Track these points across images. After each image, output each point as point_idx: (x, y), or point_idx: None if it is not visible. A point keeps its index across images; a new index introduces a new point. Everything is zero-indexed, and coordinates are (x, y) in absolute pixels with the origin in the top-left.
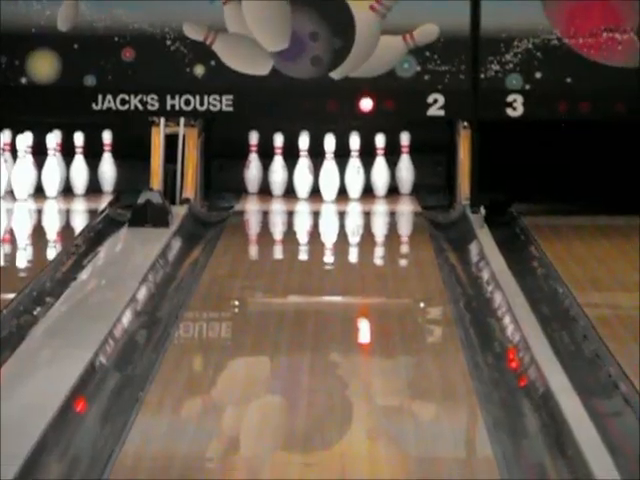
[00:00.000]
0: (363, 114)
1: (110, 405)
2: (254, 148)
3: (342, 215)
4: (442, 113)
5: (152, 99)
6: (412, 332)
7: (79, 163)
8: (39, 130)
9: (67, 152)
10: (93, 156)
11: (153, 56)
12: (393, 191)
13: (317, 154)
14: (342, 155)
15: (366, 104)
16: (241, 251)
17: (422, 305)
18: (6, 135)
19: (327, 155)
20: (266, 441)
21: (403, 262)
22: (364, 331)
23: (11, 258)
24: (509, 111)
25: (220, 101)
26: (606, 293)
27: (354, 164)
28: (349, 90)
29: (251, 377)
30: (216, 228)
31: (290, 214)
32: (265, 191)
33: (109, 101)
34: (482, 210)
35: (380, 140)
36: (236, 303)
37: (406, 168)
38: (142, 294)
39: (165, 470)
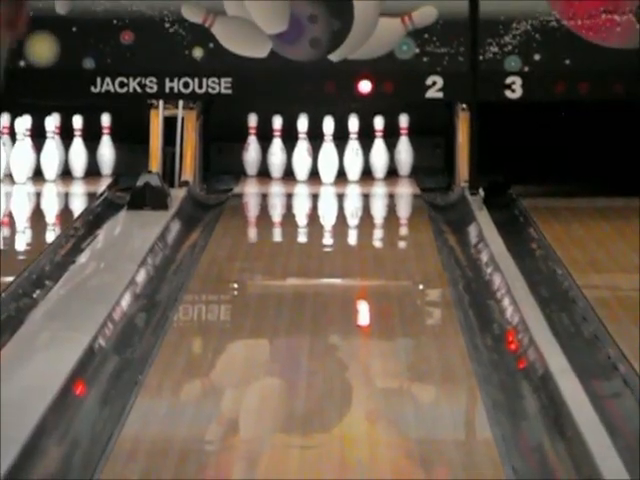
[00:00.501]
0: (362, 96)
1: (109, 388)
2: (253, 130)
3: (341, 197)
4: (441, 95)
5: (151, 82)
6: (411, 314)
7: (78, 146)
8: (38, 113)
9: (66, 135)
10: (92, 139)
11: (152, 39)
12: (392, 173)
13: (316, 136)
14: (341, 137)
15: (365, 86)
16: (240, 234)
17: (421, 287)
18: (5, 118)
19: (326, 137)
20: (265, 424)
21: (402, 244)
22: (363, 313)
23: (10, 241)
24: (508, 93)
25: (219, 84)
26: (605, 275)
27: (353, 146)
28: (348, 72)
29: (250, 360)
30: (215, 211)
31: (289, 196)
32: (264, 173)
33: (108, 84)
34: (481, 192)
35: (379, 122)
36: (235, 286)
37: (405, 150)
38: (141, 277)
39: (164, 453)
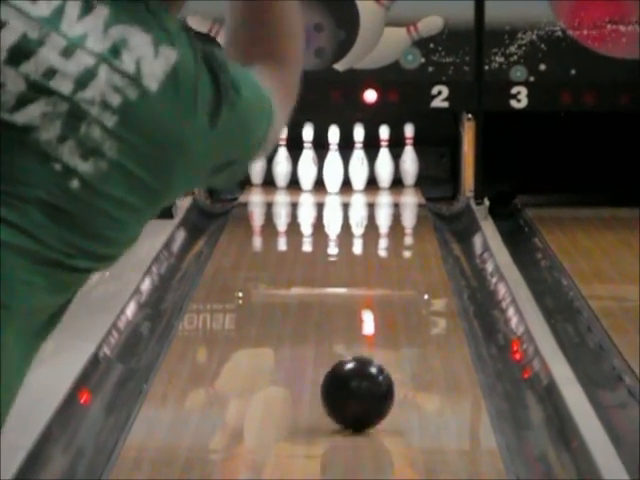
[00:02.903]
0: (367, 106)
1: (114, 397)
2: None
3: (346, 207)
4: (446, 105)
5: None
6: (416, 324)
7: None
8: None
9: None
10: None
11: None
12: (397, 183)
13: (321, 146)
14: (346, 147)
15: (370, 96)
16: (245, 243)
17: (426, 297)
18: None
19: (331, 147)
20: (269, 433)
21: (407, 254)
22: (368, 323)
23: None
24: (513, 103)
25: None
26: (610, 285)
27: (358, 156)
28: (353, 82)
29: (255, 369)
30: (220, 220)
31: (294, 206)
32: (269, 182)
33: None
34: (486, 202)
35: (384, 132)
36: (240, 295)
37: (410, 160)
38: (146, 286)
39: (169, 461)
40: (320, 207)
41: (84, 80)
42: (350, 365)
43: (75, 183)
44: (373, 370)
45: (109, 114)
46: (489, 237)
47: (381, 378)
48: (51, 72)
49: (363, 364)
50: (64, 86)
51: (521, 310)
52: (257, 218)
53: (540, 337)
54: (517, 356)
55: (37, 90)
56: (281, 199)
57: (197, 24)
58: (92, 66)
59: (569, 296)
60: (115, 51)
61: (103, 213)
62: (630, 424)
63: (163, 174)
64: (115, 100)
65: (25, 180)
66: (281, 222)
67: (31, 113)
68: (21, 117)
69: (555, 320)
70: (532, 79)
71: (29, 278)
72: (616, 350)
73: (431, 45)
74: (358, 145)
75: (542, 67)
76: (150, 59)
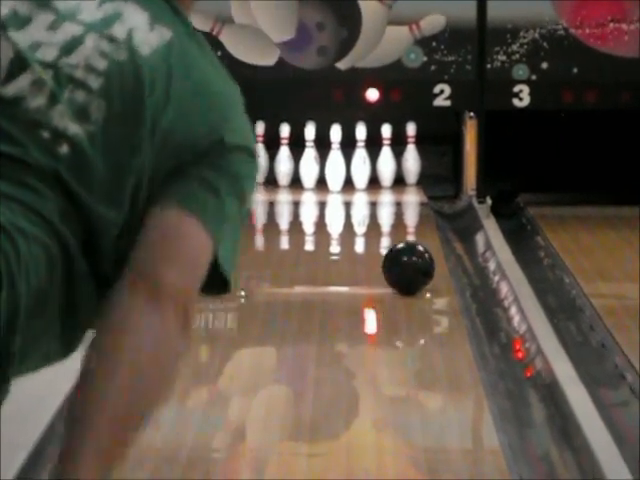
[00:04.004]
0: (369, 104)
1: None
2: (260, 138)
3: (348, 205)
4: (448, 103)
5: None
6: (418, 322)
7: None
8: None
9: None
10: None
11: None
12: (399, 181)
13: (323, 144)
14: (348, 145)
15: (372, 94)
16: (247, 241)
17: (428, 295)
18: None
19: (333, 145)
20: (272, 431)
21: None
22: (370, 321)
23: None
24: (515, 101)
25: None
26: (612, 283)
27: (360, 154)
28: (355, 80)
29: (257, 367)
30: None
31: (296, 204)
32: (271, 181)
33: None
34: (488, 200)
35: (386, 130)
36: (242, 293)
37: (412, 158)
38: None
39: (171, 460)
40: (322, 206)
41: (69, 47)
42: (402, 245)
43: (64, 148)
44: (420, 248)
45: (94, 77)
46: (491, 235)
47: (427, 255)
48: (37, 45)
49: (413, 244)
50: (49, 54)
51: (523, 308)
52: (259, 217)
53: (542, 335)
54: (519, 354)
55: (24, 61)
56: (283, 198)
57: (199, 23)
58: (79, 35)
59: (571, 294)
60: (107, 22)
61: (90, 182)
62: (632, 422)
63: (135, 143)
64: (101, 64)
65: (14, 150)
66: (283, 221)
67: (20, 84)
68: (11, 89)
69: (557, 318)
70: (534, 77)
71: (24, 225)
72: (618, 348)
73: (433, 44)
74: (360, 144)
75: (544, 65)
76: (144, 31)
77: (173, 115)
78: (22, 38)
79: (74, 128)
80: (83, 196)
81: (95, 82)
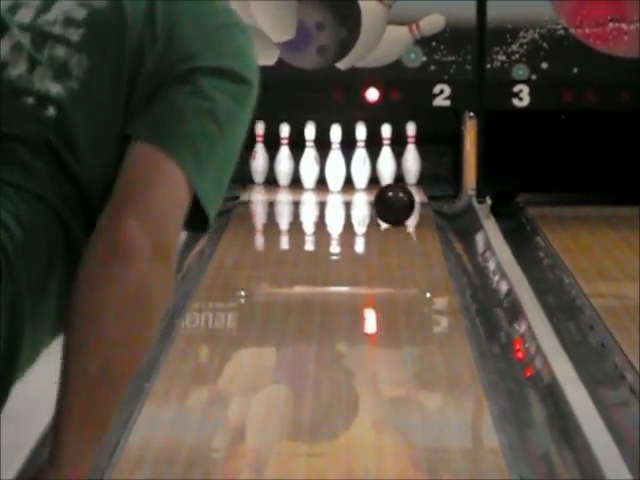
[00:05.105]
0: (369, 104)
1: None
2: (260, 138)
3: (348, 205)
4: (448, 103)
5: None
6: (418, 322)
7: None
8: None
9: None
10: None
11: None
12: (399, 181)
13: (323, 144)
14: (348, 145)
15: (372, 94)
16: (247, 241)
17: (428, 295)
18: None
19: (333, 145)
20: (272, 432)
21: (409, 252)
22: (370, 321)
23: None
24: (515, 101)
25: None
26: (612, 283)
27: (360, 154)
28: (355, 80)
29: (257, 367)
30: (222, 218)
31: (296, 204)
32: (271, 181)
33: None
34: (488, 200)
35: (386, 130)
36: (242, 293)
37: (412, 158)
38: None
39: (171, 460)
40: (322, 206)
41: (47, 4)
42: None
43: (51, 110)
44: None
45: (73, 29)
46: (491, 235)
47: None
48: (16, 6)
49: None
50: (26, 15)
51: (523, 308)
52: (259, 217)
53: (542, 335)
54: (519, 354)
55: (3, 25)
56: (283, 198)
57: None
58: None
59: (571, 294)
60: None
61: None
62: (632, 422)
63: (118, 89)
64: (80, 14)
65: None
66: (283, 221)
67: (1, 50)
68: None
69: (557, 318)
70: (534, 77)
71: (21, 212)
72: (618, 348)
73: (433, 43)
74: (360, 144)
75: (544, 65)
76: None
77: (158, 52)
78: (1, 2)
79: (56, 88)
80: (72, 162)
81: (75, 35)
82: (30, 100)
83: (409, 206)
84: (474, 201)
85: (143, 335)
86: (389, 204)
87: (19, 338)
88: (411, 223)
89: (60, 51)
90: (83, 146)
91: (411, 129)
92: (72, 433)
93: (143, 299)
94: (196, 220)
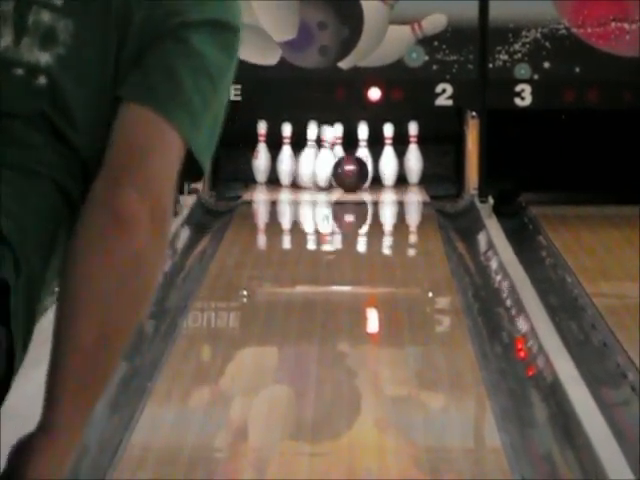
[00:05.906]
0: (371, 104)
1: (118, 395)
2: (262, 138)
3: (351, 204)
4: (450, 103)
5: None
6: (420, 322)
7: None
8: None
9: None
10: None
11: None
12: (401, 181)
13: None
14: (350, 145)
15: (374, 94)
16: (249, 241)
17: (430, 295)
18: None
19: (332, 145)
20: (274, 431)
21: (411, 252)
22: (372, 321)
23: None
24: (517, 101)
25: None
26: (614, 283)
27: (362, 154)
28: (357, 80)
29: (259, 367)
30: (224, 218)
31: (298, 204)
32: (273, 181)
33: None
34: (490, 200)
35: (388, 130)
36: (244, 293)
37: (414, 158)
38: None
39: (173, 460)
40: (323, 205)
41: None
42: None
43: (42, 79)
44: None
45: None
46: (493, 235)
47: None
48: None
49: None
50: None
51: (525, 308)
52: (261, 216)
53: (544, 335)
54: (521, 354)
55: None
56: (285, 197)
57: None
58: None
59: (573, 294)
60: None
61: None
62: (634, 421)
63: (108, 54)
64: None
65: None
66: (285, 220)
67: None
68: None
69: (559, 318)
70: (536, 77)
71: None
72: (620, 347)
73: (435, 43)
74: (362, 143)
75: (546, 65)
76: None
77: (144, 10)
78: None
79: (45, 57)
80: (68, 130)
81: None
82: (20, 71)
83: (360, 176)
84: (476, 200)
85: (140, 303)
86: (342, 177)
87: (34, 321)
88: (413, 222)
89: (45, 16)
90: (77, 112)
91: (413, 128)
92: (66, 400)
93: (141, 267)
94: (190, 168)
